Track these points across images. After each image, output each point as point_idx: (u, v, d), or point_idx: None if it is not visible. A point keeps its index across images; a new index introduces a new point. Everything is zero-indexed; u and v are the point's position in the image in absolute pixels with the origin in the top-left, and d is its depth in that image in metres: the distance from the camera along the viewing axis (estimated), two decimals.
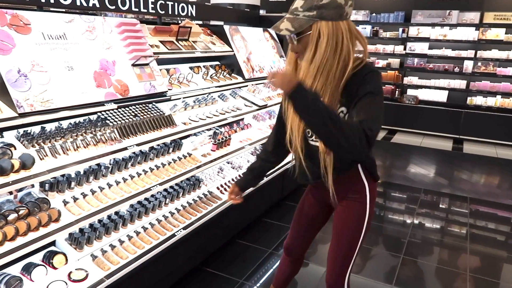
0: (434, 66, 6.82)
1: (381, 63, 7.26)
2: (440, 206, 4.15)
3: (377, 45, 7.22)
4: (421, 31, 6.82)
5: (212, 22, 4.54)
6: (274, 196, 3.65)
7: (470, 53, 6.54)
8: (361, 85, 1.31)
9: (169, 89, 2.69)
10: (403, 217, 3.80)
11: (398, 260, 2.95)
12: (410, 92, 7.06)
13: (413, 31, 6.87)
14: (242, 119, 3.48)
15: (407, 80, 7.04)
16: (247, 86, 3.61)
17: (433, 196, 4.32)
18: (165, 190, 2.41)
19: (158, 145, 2.45)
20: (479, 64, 6.54)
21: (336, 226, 1.67)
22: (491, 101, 6.44)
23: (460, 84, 6.66)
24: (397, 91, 7.10)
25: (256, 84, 3.73)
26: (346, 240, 1.63)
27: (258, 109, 3.47)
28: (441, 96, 6.85)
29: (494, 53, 6.39)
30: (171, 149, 2.56)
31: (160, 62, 2.80)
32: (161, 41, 2.93)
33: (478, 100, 6.55)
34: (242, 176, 1.87)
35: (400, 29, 6.99)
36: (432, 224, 3.67)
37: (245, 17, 4.54)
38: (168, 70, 2.98)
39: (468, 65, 6.57)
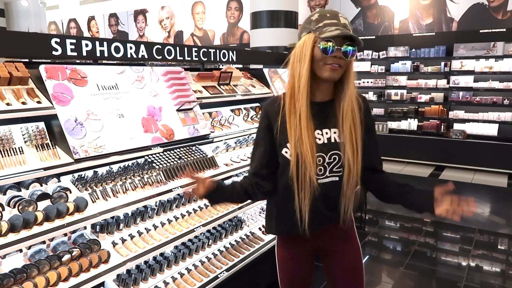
0: (481, 99, 6.58)
1: (423, 97, 7.12)
2: (498, 247, 3.86)
3: (419, 80, 7.12)
4: (464, 64, 6.67)
5: (252, 66, 4.71)
6: None
7: None
8: None
9: (211, 132, 2.79)
10: (457, 259, 3.57)
11: None
12: (456, 126, 6.81)
13: (456, 64, 6.73)
14: None
15: (453, 114, 6.82)
16: None
17: (489, 236, 4.04)
18: (208, 231, 2.44)
19: None
20: None
21: (347, 272, 1.54)
22: None
23: (511, 116, 6.35)
24: (442, 126, 6.88)
25: None
26: (362, 282, 1.56)
27: None
28: (491, 130, 6.54)
29: None
30: None
31: (203, 106, 2.93)
32: (204, 86, 3.08)
33: None
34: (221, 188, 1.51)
35: (442, 63, 6.87)
36: (491, 267, 3.41)
37: (283, 59, 4.69)
38: (210, 114, 3.10)
39: None
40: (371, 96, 7.59)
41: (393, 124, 7.33)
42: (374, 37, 7.66)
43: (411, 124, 7.16)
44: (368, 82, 7.61)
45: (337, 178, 1.38)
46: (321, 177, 1.36)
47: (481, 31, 6.58)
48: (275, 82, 3.75)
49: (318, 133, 1.37)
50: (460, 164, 6.61)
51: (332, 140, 1.37)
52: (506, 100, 6.37)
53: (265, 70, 3.74)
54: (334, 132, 1.38)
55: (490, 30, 6.52)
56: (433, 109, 6.97)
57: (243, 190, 1.48)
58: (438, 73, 6.97)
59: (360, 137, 1.37)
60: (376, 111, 7.57)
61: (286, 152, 1.38)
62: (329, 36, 1.27)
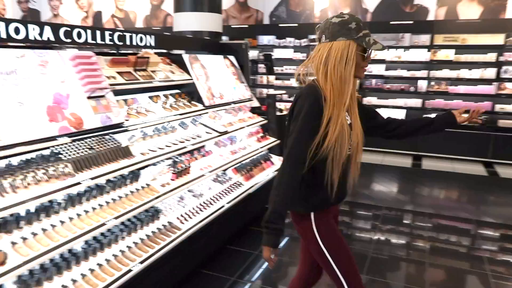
0: (391, 87, 7.13)
1: None
2: (403, 221, 4.27)
3: None
4: (377, 54, 7.14)
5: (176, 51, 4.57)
6: (238, 222, 3.65)
7: (423, 73, 6.89)
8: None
9: (126, 120, 2.68)
10: (367, 234, 3.90)
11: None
12: None
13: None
14: (203, 146, 3.50)
15: (367, 100, 7.30)
16: (207, 113, 3.65)
17: (396, 212, 4.45)
18: (122, 223, 2.37)
19: (115, 177, 2.42)
20: (432, 83, 6.89)
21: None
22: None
23: (416, 102, 6.98)
24: None
25: (217, 110, 3.77)
26: None
27: (219, 136, 3.51)
28: (399, 115, 7.13)
29: (445, 73, 6.76)
30: (128, 181, 2.54)
31: (117, 93, 2.80)
32: (118, 72, 2.94)
33: None
34: (273, 229, 1.54)
35: None
36: (397, 240, 3.77)
37: (205, 45, 4.63)
38: (126, 101, 2.98)
39: (422, 85, 6.91)
40: (293, 82, 7.83)
41: None
42: (296, 24, 7.86)
43: None
44: (290, 69, 7.82)
45: (350, 152, 1.68)
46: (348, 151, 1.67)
47: (391, 22, 7.08)
48: (195, 68, 3.70)
49: (346, 115, 1.66)
50: (371, 147, 7.12)
51: (349, 122, 1.65)
52: (412, 87, 6.97)
53: (185, 56, 3.66)
54: (348, 116, 1.68)
55: (399, 22, 7.04)
56: None
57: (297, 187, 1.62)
58: None
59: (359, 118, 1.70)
60: None
61: (327, 134, 1.59)
62: (377, 49, 1.62)
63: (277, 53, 7.87)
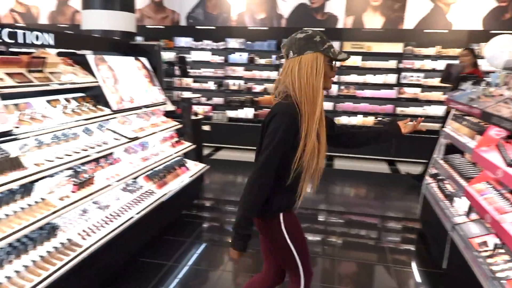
0: None
1: (258, 88, 7.63)
2: (318, 219, 4.44)
3: (254, 71, 7.59)
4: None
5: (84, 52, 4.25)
6: (151, 232, 3.49)
7: (334, 78, 7.26)
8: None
9: (16, 127, 2.40)
10: None
11: None
12: None
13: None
14: (111, 154, 3.29)
15: None
16: (116, 118, 3.44)
17: (312, 212, 4.61)
18: (10, 245, 2.11)
19: (1, 192, 2.15)
20: (342, 87, 7.31)
21: None
22: (354, 120, 7.22)
23: (328, 105, 7.34)
24: None
25: (126, 115, 3.58)
26: None
27: (128, 142, 3.32)
28: None
29: (353, 78, 7.21)
30: (18, 196, 2.27)
31: (6, 97, 2.51)
32: (7, 73, 2.63)
33: (344, 120, 7.28)
34: (243, 235, 1.71)
35: (274, 56, 7.47)
36: (313, 237, 3.89)
37: (114, 45, 4.37)
38: (17, 106, 2.68)
39: (333, 89, 7.29)
40: (211, 85, 7.78)
41: (231, 113, 7.67)
42: (214, 27, 7.82)
43: (248, 112, 7.62)
44: (208, 71, 7.76)
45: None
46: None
47: (305, 29, 7.34)
48: (101, 70, 3.46)
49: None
50: None
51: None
52: (324, 91, 7.31)
53: (90, 57, 3.41)
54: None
55: (312, 29, 7.33)
56: (267, 98, 7.53)
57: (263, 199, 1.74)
58: (270, 66, 7.56)
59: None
60: (216, 100, 7.81)
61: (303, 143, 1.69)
62: (342, 59, 1.75)
63: (194, 56, 7.75)
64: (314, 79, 1.67)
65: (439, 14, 7.18)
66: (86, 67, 3.39)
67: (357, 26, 7.50)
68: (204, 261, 3.32)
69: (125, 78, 3.71)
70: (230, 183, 5.75)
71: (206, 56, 7.73)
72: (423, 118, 2.20)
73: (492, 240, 2.59)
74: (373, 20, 7.46)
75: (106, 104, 3.33)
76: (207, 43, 7.70)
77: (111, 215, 2.88)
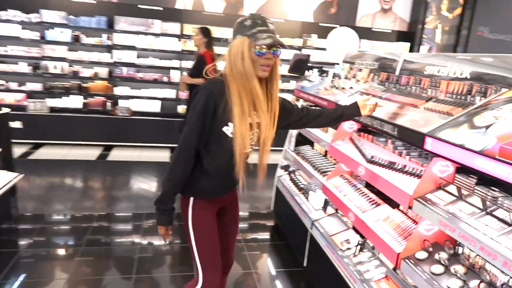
0: (144, 76, 6.66)
1: (87, 72, 6.51)
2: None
3: (80, 52, 6.41)
4: (127, 39, 6.49)
5: None
6: None
7: (175, 62, 6.72)
8: None
9: None
10: (131, 237, 3.47)
11: None
12: (122, 103, 6.65)
13: (118, 38, 6.46)
14: None
15: (118, 90, 6.60)
16: None
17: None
18: None
19: None
20: (185, 73, 6.82)
21: (234, 223, 2.05)
22: None
23: (170, 93, 6.78)
24: (108, 103, 6.55)
25: None
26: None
27: None
28: (155, 107, 6.79)
29: None
30: None
31: None
32: None
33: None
34: (164, 210, 1.76)
35: (105, 36, 6.45)
36: (159, 240, 3.37)
37: None
38: None
39: (175, 75, 6.75)
40: (24, 68, 6.26)
41: (54, 102, 6.36)
42: None
43: (76, 101, 6.44)
44: (18, 50, 6.21)
45: (250, 149, 1.79)
46: (247, 150, 1.75)
47: (139, 6, 6.56)
48: None
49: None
50: (128, 142, 6.53)
51: (256, 121, 1.74)
52: (166, 77, 6.72)
53: None
54: (254, 114, 1.72)
55: (148, 7, 6.59)
56: (98, 85, 6.50)
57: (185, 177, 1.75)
58: (101, 46, 6.51)
59: (275, 121, 1.78)
60: (32, 86, 6.36)
61: (227, 129, 1.69)
62: (263, 44, 1.63)
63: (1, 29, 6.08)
64: (240, 64, 1.64)
65: (276, 3, 7.33)
66: None
67: (198, 8, 7.08)
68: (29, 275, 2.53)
69: None
70: (56, 188, 4.66)
71: (14, 30, 6.15)
72: (377, 101, 2.24)
73: (354, 237, 2.56)
74: (214, 4, 7.16)
75: None
76: (14, 13, 6.11)
77: None
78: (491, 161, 1.45)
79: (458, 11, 7.43)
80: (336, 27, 5.77)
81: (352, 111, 2.15)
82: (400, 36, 7.55)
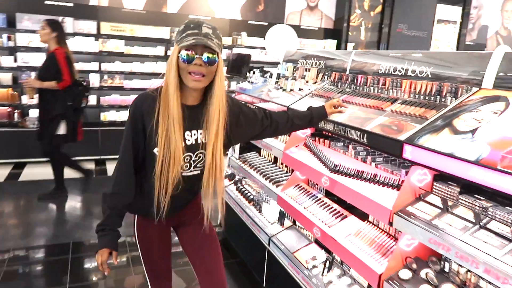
0: None
1: None
2: None
3: None
4: (32, 40, 5.66)
5: None
6: None
7: (94, 65, 6.04)
8: None
9: None
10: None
11: None
12: (32, 113, 5.81)
13: (22, 38, 5.61)
14: None
15: (26, 99, 5.74)
16: None
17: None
18: None
19: None
20: (106, 77, 6.17)
21: (201, 241, 1.83)
22: (124, 115, 6.24)
23: (91, 99, 6.07)
24: (16, 114, 5.67)
25: None
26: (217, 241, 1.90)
27: None
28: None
29: (118, 66, 6.18)
30: None
31: None
32: None
33: (111, 116, 6.20)
34: (107, 232, 1.55)
35: (5, 36, 5.55)
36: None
37: None
38: None
39: (95, 79, 6.07)
40: None
41: None
42: None
43: None
44: None
45: (198, 171, 1.63)
46: (186, 171, 1.60)
47: (46, 2, 5.76)
48: None
49: (187, 135, 1.57)
50: (44, 157, 5.72)
51: (199, 141, 1.59)
52: (85, 82, 5.99)
53: None
54: (200, 133, 1.60)
55: (56, 3, 5.83)
56: (1, 93, 5.59)
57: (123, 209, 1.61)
58: (1, 48, 5.61)
59: (222, 138, 1.59)
60: None
61: (157, 151, 1.52)
62: (185, 45, 1.44)
63: None
64: (169, 75, 1.48)
65: (202, 0, 6.96)
66: None
67: (115, 5, 6.44)
68: None
69: None
70: None
71: None
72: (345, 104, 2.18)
73: (320, 253, 2.35)
74: (133, 0, 6.57)
75: None
76: None
77: None
78: (493, 173, 1.30)
79: (379, 9, 7.71)
80: (265, 25, 5.58)
81: (321, 115, 2.09)
82: (327, 34, 7.62)
